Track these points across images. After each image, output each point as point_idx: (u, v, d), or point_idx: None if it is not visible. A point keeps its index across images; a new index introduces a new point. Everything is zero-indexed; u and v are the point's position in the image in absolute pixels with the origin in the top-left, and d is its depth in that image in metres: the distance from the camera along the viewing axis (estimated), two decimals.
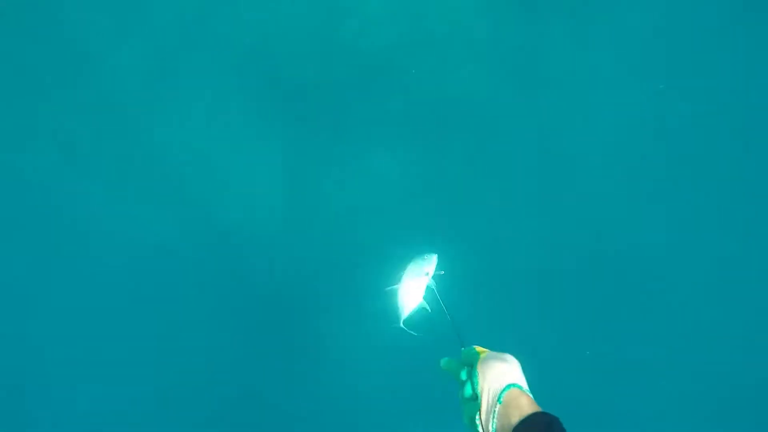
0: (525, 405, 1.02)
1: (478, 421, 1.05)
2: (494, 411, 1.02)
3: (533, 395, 1.08)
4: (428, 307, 1.85)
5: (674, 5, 3.96)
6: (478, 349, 1.18)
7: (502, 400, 1.03)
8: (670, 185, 3.90)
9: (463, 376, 1.12)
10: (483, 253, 3.88)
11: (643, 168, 3.92)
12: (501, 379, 1.06)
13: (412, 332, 1.92)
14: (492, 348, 1.20)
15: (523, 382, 1.09)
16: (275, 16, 4.12)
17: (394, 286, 1.88)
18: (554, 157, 3.97)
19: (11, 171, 4.12)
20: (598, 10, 4.02)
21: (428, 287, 1.83)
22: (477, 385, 1.07)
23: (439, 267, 1.87)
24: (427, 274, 1.84)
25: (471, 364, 1.13)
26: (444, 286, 1.81)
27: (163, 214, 4.08)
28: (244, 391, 4.02)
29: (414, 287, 1.85)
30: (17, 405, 4.06)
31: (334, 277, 3.98)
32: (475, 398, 1.07)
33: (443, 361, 1.22)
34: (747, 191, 3.81)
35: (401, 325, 1.96)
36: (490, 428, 1.02)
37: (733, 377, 3.72)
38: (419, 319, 1.87)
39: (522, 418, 0.99)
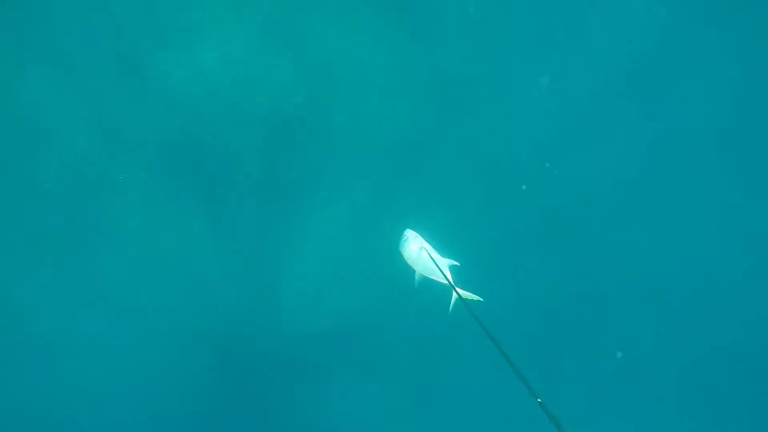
0: None
1: None
2: None
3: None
4: (456, 262, 1.93)
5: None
6: None
7: None
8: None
9: None
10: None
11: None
12: None
13: (478, 298, 2.07)
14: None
15: None
16: (188, 103, 4.16)
17: (419, 276, 2.00)
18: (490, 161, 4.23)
19: None
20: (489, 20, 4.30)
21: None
22: None
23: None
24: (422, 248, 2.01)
25: None
26: None
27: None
28: None
29: (427, 259, 2.06)
30: None
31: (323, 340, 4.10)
32: None
33: None
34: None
35: (457, 293, 2.04)
36: None
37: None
38: None
39: None
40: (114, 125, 4.09)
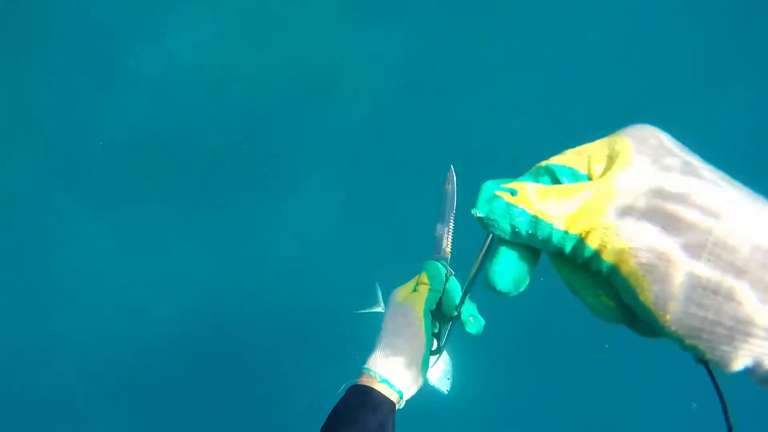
0: None
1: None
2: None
3: None
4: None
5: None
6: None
7: None
8: None
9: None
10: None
11: None
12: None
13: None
14: None
15: None
16: (159, 95, 4.13)
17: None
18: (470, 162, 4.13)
19: None
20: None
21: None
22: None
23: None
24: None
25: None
26: None
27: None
28: None
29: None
30: None
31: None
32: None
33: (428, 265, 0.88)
34: None
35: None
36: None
37: None
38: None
39: None
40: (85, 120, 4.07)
